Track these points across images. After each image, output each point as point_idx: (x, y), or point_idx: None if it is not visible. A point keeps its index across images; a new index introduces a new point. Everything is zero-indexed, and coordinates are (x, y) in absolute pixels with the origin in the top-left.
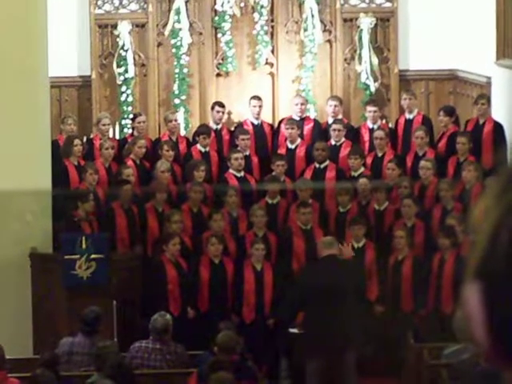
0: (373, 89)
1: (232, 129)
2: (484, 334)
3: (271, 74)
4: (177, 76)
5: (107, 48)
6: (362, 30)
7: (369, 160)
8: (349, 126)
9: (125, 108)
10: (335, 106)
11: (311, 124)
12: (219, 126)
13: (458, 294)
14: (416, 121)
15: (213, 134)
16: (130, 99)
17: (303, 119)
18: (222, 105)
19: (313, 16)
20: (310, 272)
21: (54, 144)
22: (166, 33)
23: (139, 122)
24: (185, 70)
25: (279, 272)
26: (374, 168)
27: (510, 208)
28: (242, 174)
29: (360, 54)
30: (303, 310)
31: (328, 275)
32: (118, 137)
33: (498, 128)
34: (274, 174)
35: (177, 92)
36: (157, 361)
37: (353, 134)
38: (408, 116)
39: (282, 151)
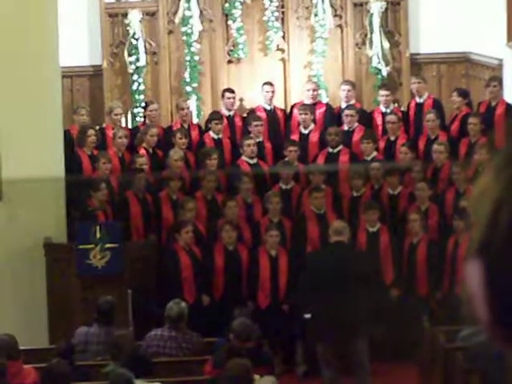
0: (384, 73)
1: (244, 115)
2: (485, 311)
3: (282, 59)
4: (188, 64)
5: (118, 37)
6: (372, 14)
7: (382, 144)
8: (361, 111)
9: (137, 97)
10: (348, 90)
11: (323, 109)
12: (231, 113)
13: None
14: (427, 104)
15: (225, 121)
16: (141, 88)
17: (315, 104)
18: (232, 91)
19: (323, 1)
20: (317, 258)
21: (66, 134)
22: (177, 20)
23: (151, 111)
24: (196, 58)
25: (294, 257)
26: (386, 152)
27: (509, 185)
28: (255, 160)
29: (371, 39)
30: (314, 296)
31: (335, 261)
32: (130, 126)
33: (510, 110)
34: (286, 159)
35: (188, 80)
36: (172, 349)
37: (366, 118)
38: (418, 100)
39: (295, 136)
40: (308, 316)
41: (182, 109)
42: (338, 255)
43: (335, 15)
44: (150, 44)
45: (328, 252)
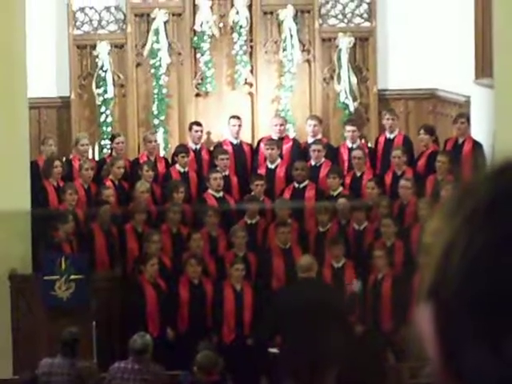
0: (352, 108)
1: (211, 149)
2: (435, 354)
3: (250, 93)
4: (156, 96)
5: (86, 69)
6: (340, 49)
7: (348, 179)
8: (328, 146)
9: (104, 128)
10: (315, 125)
11: (290, 144)
12: (198, 146)
13: None
14: (397, 140)
15: (192, 154)
16: (109, 120)
17: (282, 139)
18: (199, 124)
19: (291, 36)
20: (286, 294)
21: (34, 165)
22: (145, 53)
23: (118, 143)
24: (164, 91)
25: (259, 292)
26: (353, 187)
27: (461, 228)
28: (221, 194)
29: (339, 74)
30: (280, 332)
31: (305, 297)
32: (97, 157)
33: (477, 147)
34: (252, 193)
35: (156, 112)
36: (136, 381)
37: (332, 153)
38: (389, 135)
39: (261, 171)
40: (273, 350)
41: (150, 141)
42: (309, 291)
43: (303, 50)
44: (118, 76)
45: (299, 288)
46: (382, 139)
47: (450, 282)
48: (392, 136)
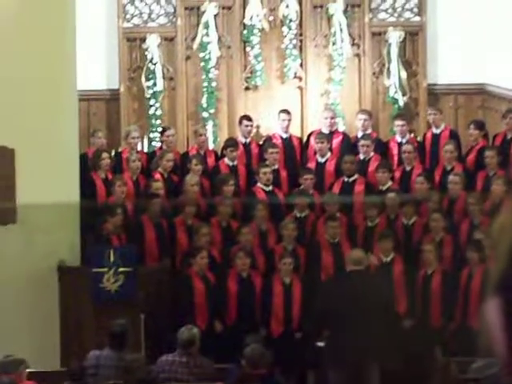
0: (401, 103)
1: (260, 143)
2: (503, 346)
3: (300, 87)
4: (205, 89)
5: (136, 61)
6: (390, 43)
7: (397, 174)
8: (377, 140)
9: (153, 121)
10: (365, 119)
11: (340, 137)
12: (248, 140)
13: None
14: (443, 135)
15: (242, 148)
16: (158, 112)
17: (332, 133)
18: (249, 118)
19: (341, 30)
20: (334, 286)
21: (83, 157)
22: (195, 46)
23: (168, 136)
24: (213, 84)
25: (307, 286)
26: (402, 182)
27: None
28: (271, 188)
29: (388, 68)
30: (328, 324)
31: (353, 289)
32: (146, 150)
33: None
34: (302, 187)
35: (205, 105)
36: (184, 374)
37: (382, 148)
38: (435, 131)
39: (311, 165)
40: (321, 344)
41: (200, 135)
42: (358, 283)
43: (353, 44)
44: (168, 69)
45: (348, 280)
46: (429, 135)
47: None
48: (438, 131)
